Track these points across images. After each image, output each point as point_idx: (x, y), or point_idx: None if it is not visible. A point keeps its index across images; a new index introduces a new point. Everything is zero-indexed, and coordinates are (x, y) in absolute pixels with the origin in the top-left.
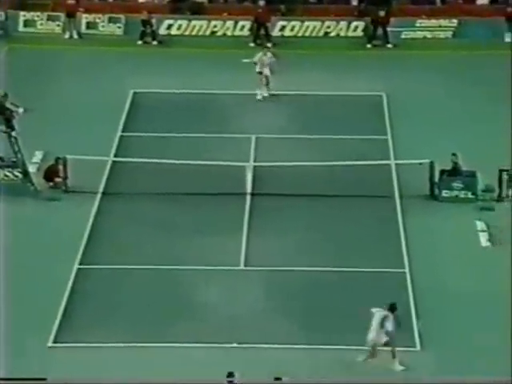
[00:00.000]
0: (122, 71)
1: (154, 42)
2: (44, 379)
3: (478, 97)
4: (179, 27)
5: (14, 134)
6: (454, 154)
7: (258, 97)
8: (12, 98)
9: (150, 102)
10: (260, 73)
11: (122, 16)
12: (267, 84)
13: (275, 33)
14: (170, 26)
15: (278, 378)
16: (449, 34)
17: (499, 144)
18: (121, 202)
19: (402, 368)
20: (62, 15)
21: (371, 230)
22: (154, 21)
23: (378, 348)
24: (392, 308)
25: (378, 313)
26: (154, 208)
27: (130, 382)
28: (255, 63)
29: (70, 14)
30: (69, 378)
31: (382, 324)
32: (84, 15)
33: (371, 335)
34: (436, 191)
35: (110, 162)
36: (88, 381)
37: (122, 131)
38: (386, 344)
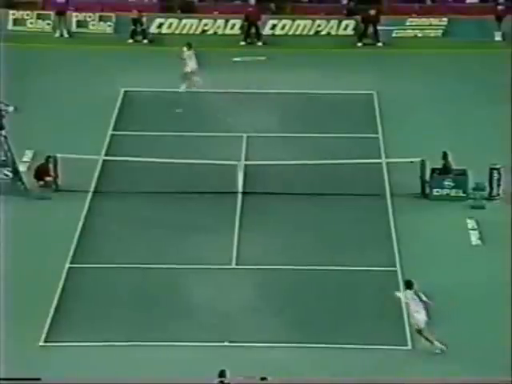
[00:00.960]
0: (113, 70)
1: (145, 41)
2: (38, 379)
3: (468, 95)
4: (170, 26)
5: (3, 132)
6: (444, 153)
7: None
8: (2, 96)
9: (140, 100)
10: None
11: (112, 15)
12: (189, 80)
13: (266, 31)
14: (160, 25)
15: (263, 378)
16: (439, 32)
17: (490, 142)
18: (112, 200)
19: (442, 347)
20: (52, 14)
21: (362, 229)
22: (144, 19)
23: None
24: (409, 284)
25: (406, 294)
26: (145, 207)
27: (123, 382)
28: (183, 59)
29: (60, 13)
30: (61, 377)
31: (419, 300)
32: (74, 14)
33: (421, 316)
34: (427, 190)
35: (100, 161)
36: (82, 381)
37: (113, 130)
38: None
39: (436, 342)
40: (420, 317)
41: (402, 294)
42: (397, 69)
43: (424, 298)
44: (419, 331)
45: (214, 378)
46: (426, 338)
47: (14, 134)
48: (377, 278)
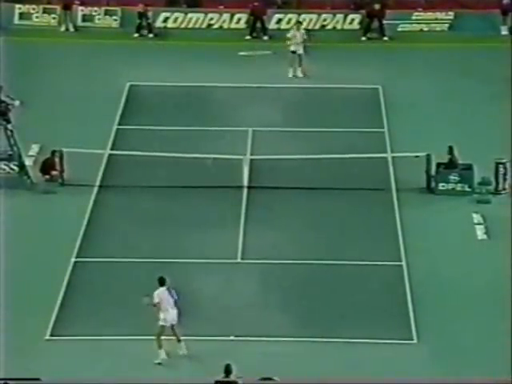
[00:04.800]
0: (119, 64)
1: (151, 35)
2: (38, 379)
3: (474, 90)
4: (175, 20)
5: (9, 126)
6: (450, 147)
7: None
8: (8, 90)
9: (146, 94)
10: None
11: (118, 9)
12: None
13: (271, 25)
14: (166, 19)
15: (269, 378)
16: (445, 26)
17: (496, 137)
18: (117, 195)
19: (185, 352)
20: (58, 8)
21: (368, 223)
22: (150, 13)
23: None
24: (162, 281)
25: (159, 293)
26: (150, 201)
27: (124, 382)
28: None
29: (66, 7)
30: (66, 371)
31: (171, 299)
32: (80, 8)
33: (170, 315)
34: (432, 184)
35: (106, 155)
36: (83, 381)
37: (119, 124)
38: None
39: (182, 344)
40: (172, 313)
41: (155, 294)
42: (402, 63)
43: (175, 296)
44: (172, 327)
45: (220, 372)
46: (177, 336)
47: (20, 128)
48: (382, 272)
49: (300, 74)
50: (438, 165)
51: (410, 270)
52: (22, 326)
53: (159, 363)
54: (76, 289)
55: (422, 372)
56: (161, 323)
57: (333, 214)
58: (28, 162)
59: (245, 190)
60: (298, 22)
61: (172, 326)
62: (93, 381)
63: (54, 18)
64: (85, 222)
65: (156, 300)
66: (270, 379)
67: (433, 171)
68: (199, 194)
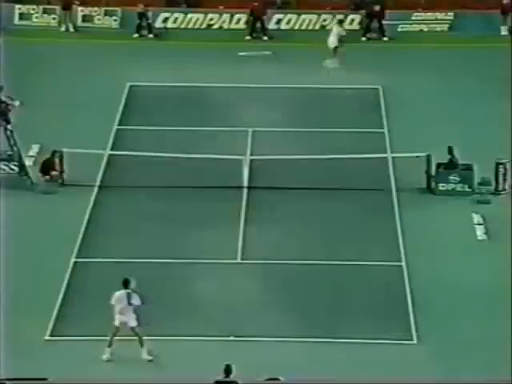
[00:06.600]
0: (119, 64)
1: (150, 35)
2: (44, 379)
3: (474, 90)
4: (175, 20)
5: (9, 127)
6: (450, 148)
7: None
8: (8, 91)
9: (146, 95)
10: None
11: (118, 9)
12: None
13: (271, 26)
14: (166, 19)
15: (273, 379)
16: (445, 27)
17: (496, 137)
18: (117, 195)
19: (150, 358)
20: (58, 8)
21: (368, 223)
22: (150, 14)
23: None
24: (125, 284)
25: (118, 294)
26: (150, 201)
27: (124, 382)
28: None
29: (66, 7)
30: (66, 371)
31: (129, 302)
32: (80, 8)
33: (125, 318)
34: (432, 184)
35: (106, 156)
36: (89, 381)
37: (119, 124)
38: (135, 327)
39: (145, 349)
40: (128, 317)
41: (113, 295)
42: (402, 63)
43: (135, 302)
44: (133, 329)
45: (220, 373)
46: (140, 341)
47: (20, 129)
48: (382, 272)
49: (333, 65)
50: (438, 165)
51: (410, 269)
52: (22, 326)
53: (108, 360)
54: (76, 289)
55: (421, 372)
56: (114, 323)
57: (333, 214)
58: (28, 162)
59: (245, 190)
60: (340, 21)
61: (132, 329)
62: (93, 381)
63: (53, 18)
64: (85, 222)
65: (111, 302)
66: (275, 379)
67: (433, 171)
68: (199, 194)
